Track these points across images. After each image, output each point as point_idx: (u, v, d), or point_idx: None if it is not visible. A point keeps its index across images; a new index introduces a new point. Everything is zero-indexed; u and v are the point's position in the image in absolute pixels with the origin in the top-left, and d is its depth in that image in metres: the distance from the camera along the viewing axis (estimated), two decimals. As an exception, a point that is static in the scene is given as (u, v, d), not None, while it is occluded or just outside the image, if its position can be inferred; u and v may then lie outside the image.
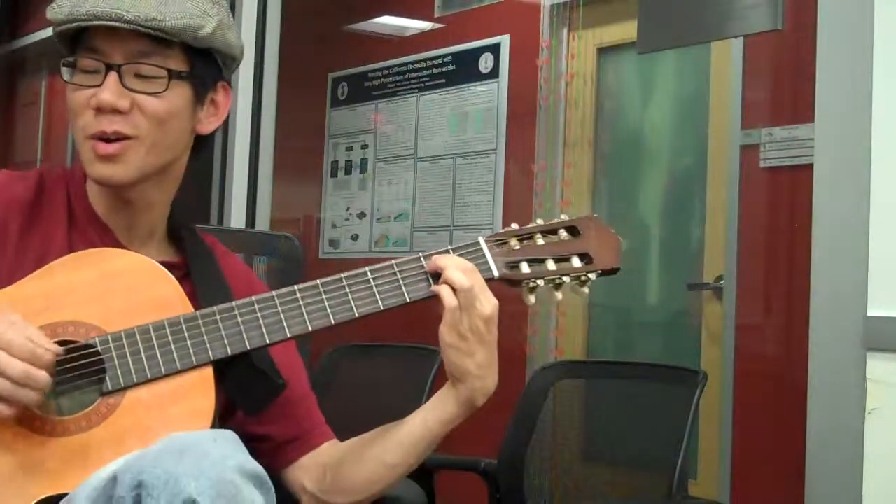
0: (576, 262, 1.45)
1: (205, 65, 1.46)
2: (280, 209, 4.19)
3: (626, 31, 3.67)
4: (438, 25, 4.50)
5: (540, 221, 1.47)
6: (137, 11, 1.37)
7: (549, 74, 4.05)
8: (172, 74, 1.41)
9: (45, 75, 6.43)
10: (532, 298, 1.45)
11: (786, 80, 3.44)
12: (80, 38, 1.43)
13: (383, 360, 2.90)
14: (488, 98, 4.24)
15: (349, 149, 4.86)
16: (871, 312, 2.04)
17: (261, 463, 1.36)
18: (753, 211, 3.48)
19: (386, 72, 4.68)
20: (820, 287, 2.13)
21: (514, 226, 1.47)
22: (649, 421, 2.48)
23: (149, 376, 1.33)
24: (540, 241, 1.46)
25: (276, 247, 2.25)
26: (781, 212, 3.42)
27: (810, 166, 2.21)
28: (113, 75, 1.39)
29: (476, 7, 4.31)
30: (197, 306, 1.40)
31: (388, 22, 4.78)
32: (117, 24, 1.37)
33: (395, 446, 1.46)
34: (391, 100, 4.65)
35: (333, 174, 4.93)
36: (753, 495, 3.36)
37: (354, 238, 4.80)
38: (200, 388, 1.34)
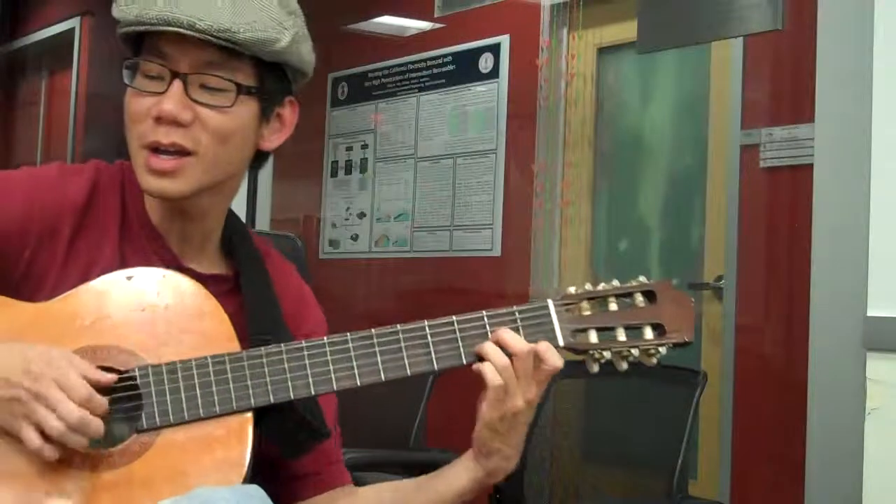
0: (648, 333, 1.36)
1: (274, 79, 1.37)
2: (280, 209, 4.20)
3: (626, 31, 3.67)
4: (438, 25, 4.50)
5: (616, 283, 1.38)
6: (211, 20, 1.28)
7: (549, 74, 4.05)
8: (241, 89, 1.33)
9: (45, 75, 6.43)
10: (595, 368, 1.36)
11: (786, 80, 3.44)
12: (145, 40, 1.35)
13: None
14: (488, 98, 4.24)
15: (349, 149, 4.86)
16: (871, 312, 2.04)
17: (270, 493, 1.33)
18: (753, 211, 3.48)
19: (386, 72, 4.68)
20: (820, 287, 2.14)
21: (588, 287, 1.37)
22: (649, 421, 2.48)
23: (186, 418, 1.27)
24: (613, 305, 1.36)
25: (277, 247, 2.25)
26: (781, 212, 3.42)
27: (810, 166, 2.22)
28: (178, 84, 1.31)
29: (476, 7, 4.30)
30: (244, 322, 1.36)
31: (388, 22, 4.78)
32: (189, 32, 1.28)
33: None
34: (391, 100, 4.65)
35: (333, 174, 4.93)
36: (753, 495, 3.36)
37: (354, 238, 4.80)
38: (237, 436, 1.28)
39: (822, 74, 2.16)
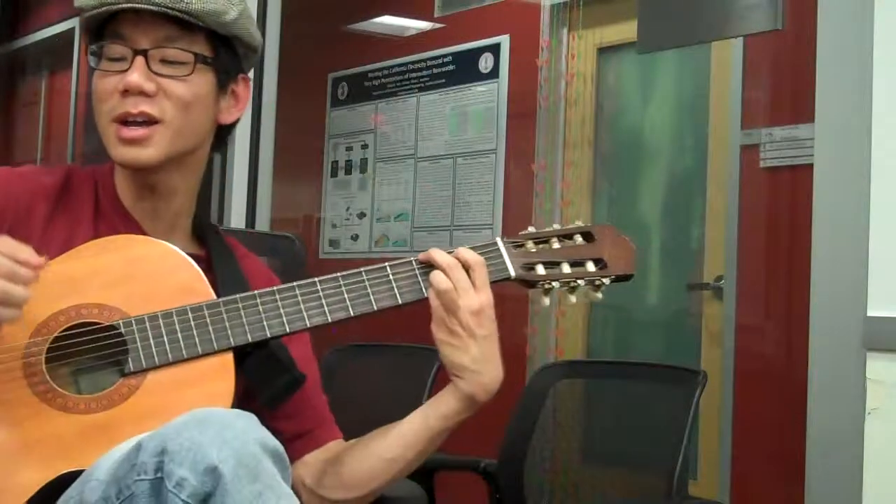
0: (590, 266, 1.48)
1: (227, 53, 1.49)
2: (280, 209, 4.19)
3: (626, 31, 3.67)
4: (438, 25, 4.50)
5: (556, 226, 1.50)
6: None
7: (549, 74, 4.05)
8: (198, 59, 1.44)
9: (45, 75, 6.43)
10: (546, 300, 1.48)
11: (786, 80, 3.44)
12: (105, 26, 1.45)
13: (383, 360, 2.89)
14: (488, 98, 4.24)
15: (349, 149, 4.86)
16: (871, 312, 2.04)
17: None
18: (753, 211, 3.48)
19: (386, 72, 4.68)
20: (820, 287, 2.13)
21: (531, 229, 1.49)
22: (649, 421, 2.48)
23: (170, 359, 1.35)
24: (556, 244, 1.48)
25: (277, 247, 2.25)
26: (781, 212, 3.42)
27: (810, 166, 2.21)
28: (140, 60, 1.42)
29: (476, 7, 4.31)
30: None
31: (388, 22, 4.78)
32: (146, 6, 1.40)
33: (395, 441, 1.46)
34: (391, 100, 4.65)
35: (333, 174, 4.93)
36: (753, 495, 3.36)
37: (354, 238, 4.80)
38: (220, 372, 1.36)
39: (822, 74, 2.15)
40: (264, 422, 1.46)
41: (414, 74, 4.55)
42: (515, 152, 4.14)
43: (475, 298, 1.41)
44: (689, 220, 3.79)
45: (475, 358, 1.41)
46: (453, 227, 4.33)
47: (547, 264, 1.47)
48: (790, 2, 2.75)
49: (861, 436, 2.01)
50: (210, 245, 1.56)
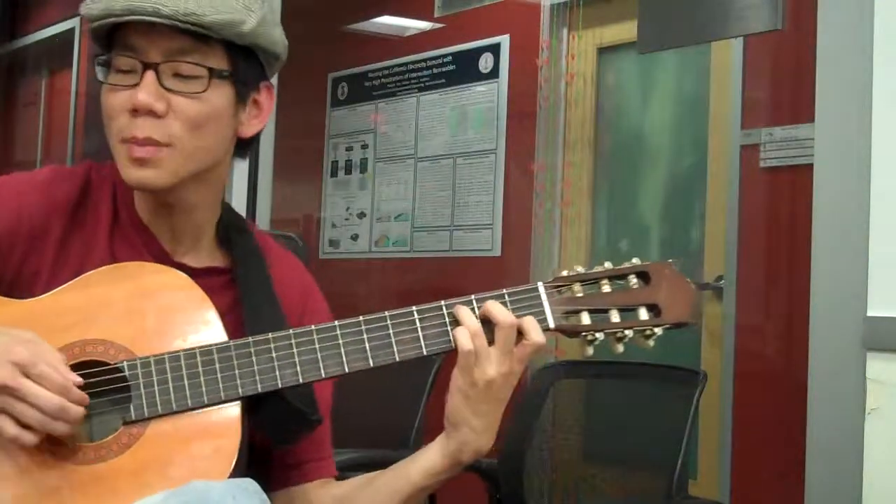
0: (643, 313, 1.33)
1: (247, 64, 1.38)
2: (280, 209, 4.20)
3: (626, 31, 3.67)
4: (438, 25, 4.50)
5: (608, 265, 1.36)
6: (175, 6, 1.29)
7: (549, 74, 4.05)
8: (213, 73, 1.34)
9: (45, 75, 6.43)
10: (590, 350, 1.35)
11: (786, 80, 3.44)
12: (115, 36, 1.36)
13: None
14: (488, 98, 4.24)
15: (349, 149, 4.86)
16: (871, 312, 2.04)
17: (255, 476, 1.34)
18: (753, 211, 3.48)
19: (386, 72, 4.68)
20: (820, 287, 2.13)
21: (579, 269, 1.36)
22: (649, 421, 2.48)
23: (174, 409, 1.28)
24: (606, 287, 1.34)
25: (277, 247, 2.24)
26: (781, 212, 3.42)
27: (810, 166, 2.21)
28: (150, 74, 1.32)
29: (476, 7, 4.30)
30: (240, 316, 1.37)
31: (388, 22, 4.78)
32: (154, 19, 1.29)
33: (380, 489, 1.41)
34: (391, 100, 4.65)
35: (333, 174, 4.93)
36: (753, 495, 3.36)
37: (354, 238, 4.80)
38: (226, 425, 1.29)
39: (822, 74, 2.16)
40: (260, 442, 1.40)
41: (414, 74, 4.55)
42: (515, 152, 4.14)
43: (491, 369, 1.31)
44: (689, 220, 3.79)
45: (481, 416, 1.33)
46: (453, 227, 4.33)
47: (593, 311, 1.33)
48: (790, 2, 2.76)
49: (861, 436, 2.01)
50: (235, 253, 1.45)
